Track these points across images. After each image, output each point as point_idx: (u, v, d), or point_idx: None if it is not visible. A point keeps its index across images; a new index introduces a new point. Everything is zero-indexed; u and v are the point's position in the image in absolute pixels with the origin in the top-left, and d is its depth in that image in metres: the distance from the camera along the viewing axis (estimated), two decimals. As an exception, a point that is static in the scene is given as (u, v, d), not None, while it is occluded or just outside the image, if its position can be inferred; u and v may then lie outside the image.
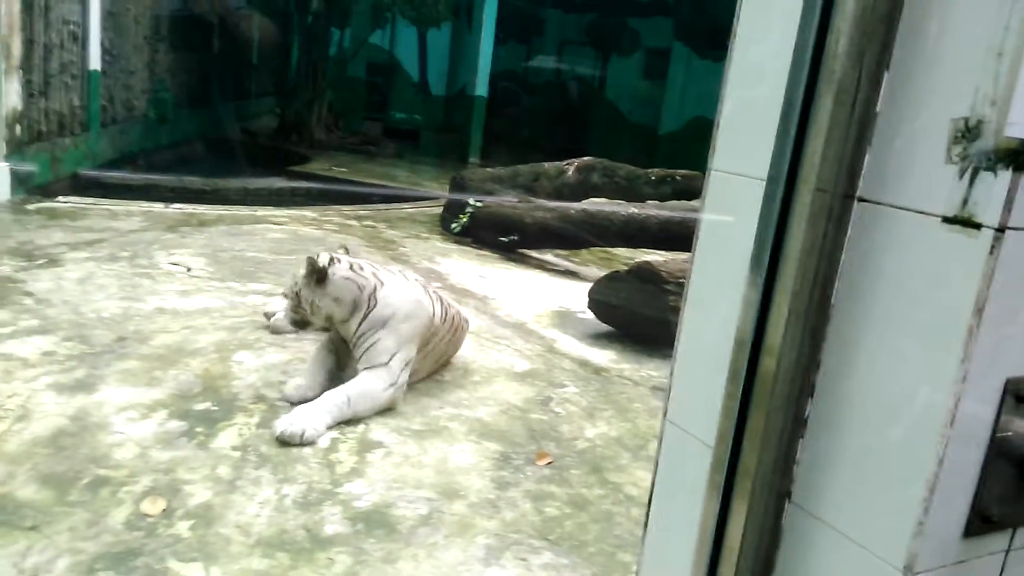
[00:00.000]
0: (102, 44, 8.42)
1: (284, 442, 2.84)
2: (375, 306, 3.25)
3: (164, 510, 2.39)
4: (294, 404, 3.11)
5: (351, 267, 3.30)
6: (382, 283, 3.30)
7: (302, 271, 3.26)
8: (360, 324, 3.24)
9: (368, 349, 3.21)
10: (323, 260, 3.26)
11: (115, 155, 9.14)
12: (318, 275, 3.22)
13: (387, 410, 3.18)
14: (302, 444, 2.85)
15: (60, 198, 6.72)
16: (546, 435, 3.22)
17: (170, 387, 3.22)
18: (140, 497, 2.44)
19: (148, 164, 10.05)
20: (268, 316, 4.04)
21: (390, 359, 3.19)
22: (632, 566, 2.36)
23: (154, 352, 3.55)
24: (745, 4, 1.00)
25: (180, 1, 11.72)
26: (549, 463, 2.97)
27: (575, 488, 2.81)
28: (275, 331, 3.90)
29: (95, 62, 8.26)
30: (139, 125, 10.02)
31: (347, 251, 3.54)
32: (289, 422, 2.89)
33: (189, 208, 6.95)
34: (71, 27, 7.75)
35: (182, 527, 2.32)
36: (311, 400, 3.07)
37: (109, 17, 8.69)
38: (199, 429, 2.90)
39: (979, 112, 0.74)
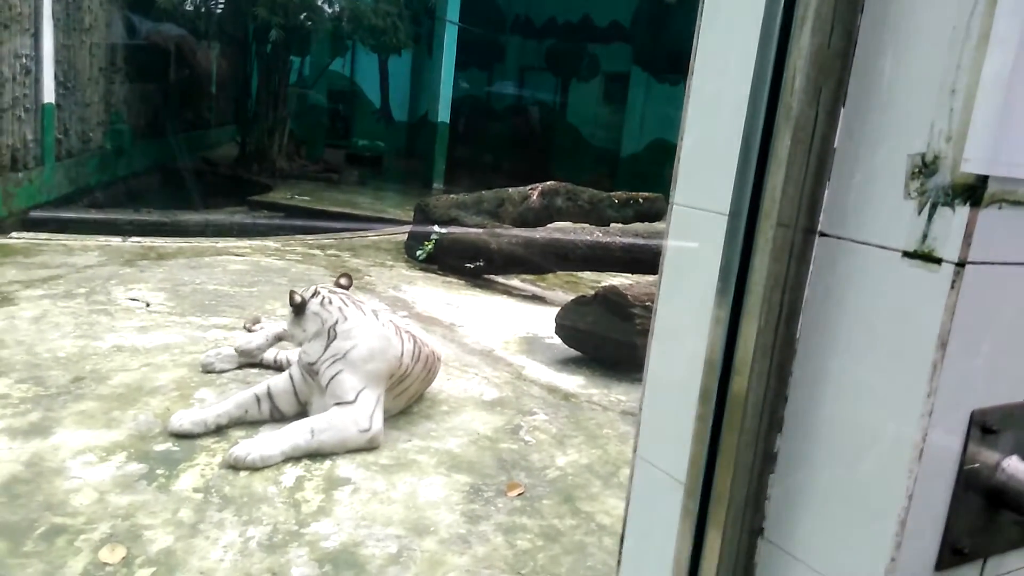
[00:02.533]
0: (56, 77, 8.30)
1: (231, 465, 2.88)
2: (335, 338, 3.28)
3: (124, 558, 2.31)
4: (182, 435, 3.08)
5: (321, 302, 3.38)
6: (345, 318, 3.33)
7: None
8: (322, 353, 3.27)
9: (331, 382, 3.21)
10: (307, 294, 3.42)
11: (71, 189, 8.98)
12: (295, 308, 3.38)
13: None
14: (249, 468, 2.87)
15: (14, 234, 6.57)
16: (516, 465, 3.19)
17: (129, 428, 3.13)
18: (98, 545, 2.36)
19: (105, 197, 9.88)
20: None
21: (356, 397, 3.16)
22: (606, 597, 2.34)
23: (112, 392, 3.46)
24: (702, 39, 1.00)
25: (136, 31, 11.61)
26: (520, 494, 2.94)
27: (547, 519, 2.78)
28: (207, 368, 3.82)
29: (49, 95, 8.14)
30: (95, 158, 9.86)
31: (350, 280, 3.68)
32: (241, 446, 2.94)
33: (148, 241, 6.84)
34: (23, 60, 7.62)
35: (143, 575, 2.24)
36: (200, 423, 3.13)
37: (63, 49, 8.57)
38: (159, 471, 2.82)
39: (935, 148, 0.74)
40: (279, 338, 3.91)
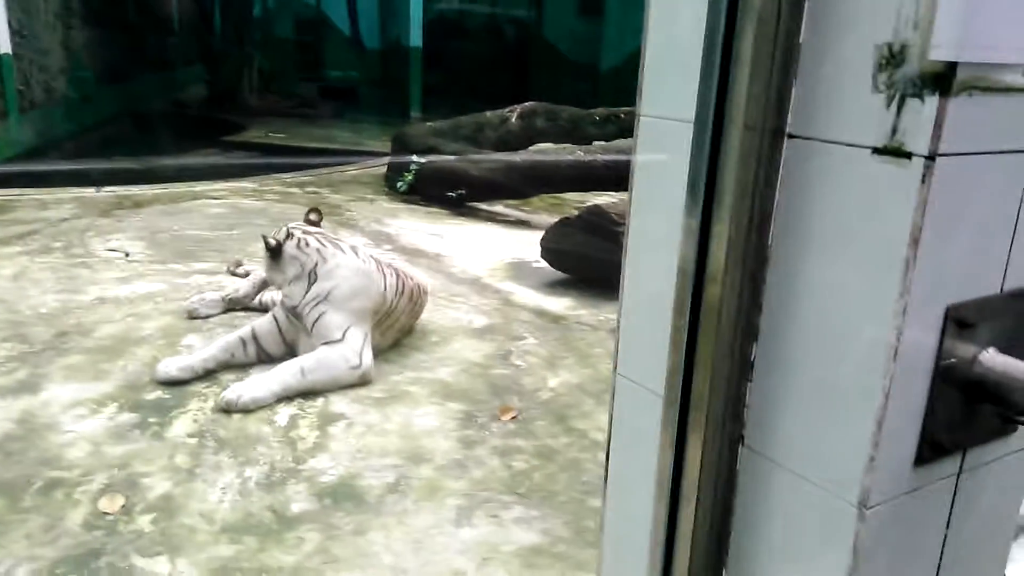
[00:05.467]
0: (10, 25, 7.98)
1: (223, 409, 2.89)
2: (315, 281, 3.27)
3: (123, 506, 2.34)
4: (171, 382, 3.08)
5: (298, 244, 3.34)
6: (324, 259, 3.31)
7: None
8: (304, 296, 3.26)
9: (316, 323, 3.21)
10: (281, 236, 3.35)
11: (39, 141, 8.75)
12: (271, 253, 3.34)
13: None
14: (242, 411, 2.88)
15: (-16, 191, 6.42)
16: (508, 389, 3.21)
17: (118, 379, 3.13)
18: (97, 496, 2.39)
19: (75, 147, 9.65)
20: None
21: (343, 335, 3.16)
22: (602, 510, 2.39)
23: (98, 344, 3.45)
24: (659, -65, 0.95)
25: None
26: (514, 417, 2.97)
27: (541, 439, 2.82)
28: (192, 315, 3.79)
29: (4, 45, 7.85)
30: (60, 107, 9.59)
31: (320, 215, 3.60)
32: (232, 389, 2.95)
33: (122, 190, 6.71)
34: (-28, 9, 7.31)
35: (143, 521, 2.28)
36: (187, 370, 3.13)
37: (13, -5, 8.23)
38: (152, 419, 2.83)
39: (903, 36, 0.71)
40: (265, 282, 3.88)
